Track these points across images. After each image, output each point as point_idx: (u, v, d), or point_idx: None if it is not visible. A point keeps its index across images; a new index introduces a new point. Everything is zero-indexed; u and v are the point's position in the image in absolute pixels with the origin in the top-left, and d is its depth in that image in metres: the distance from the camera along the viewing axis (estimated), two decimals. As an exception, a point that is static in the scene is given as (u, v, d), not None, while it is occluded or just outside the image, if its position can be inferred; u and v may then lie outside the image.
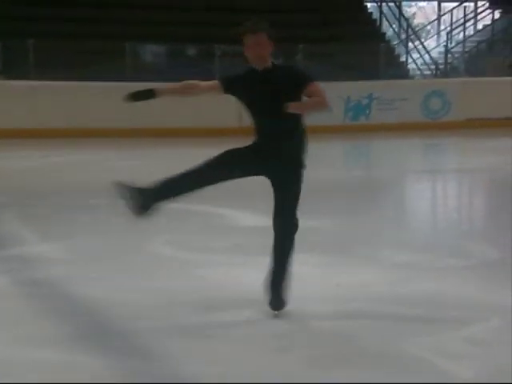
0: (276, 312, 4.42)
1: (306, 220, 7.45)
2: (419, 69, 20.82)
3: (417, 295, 4.91)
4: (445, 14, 24.62)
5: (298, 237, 6.57)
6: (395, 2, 21.95)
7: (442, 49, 21.37)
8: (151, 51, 17.94)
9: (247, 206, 7.68)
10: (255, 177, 4.51)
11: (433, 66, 20.63)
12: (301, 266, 5.64)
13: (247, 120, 4.49)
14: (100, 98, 14.88)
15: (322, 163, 13.13)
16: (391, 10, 22.10)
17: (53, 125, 14.53)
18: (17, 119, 14.38)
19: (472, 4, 24.41)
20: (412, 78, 19.90)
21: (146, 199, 4.40)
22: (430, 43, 23.43)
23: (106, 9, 17.92)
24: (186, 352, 3.98)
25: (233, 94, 4.51)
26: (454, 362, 3.82)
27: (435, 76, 19.99)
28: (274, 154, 4.41)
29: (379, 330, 4.28)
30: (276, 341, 4.13)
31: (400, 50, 20.90)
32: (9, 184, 9.72)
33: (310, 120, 16.16)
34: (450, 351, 3.96)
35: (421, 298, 4.85)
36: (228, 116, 14.32)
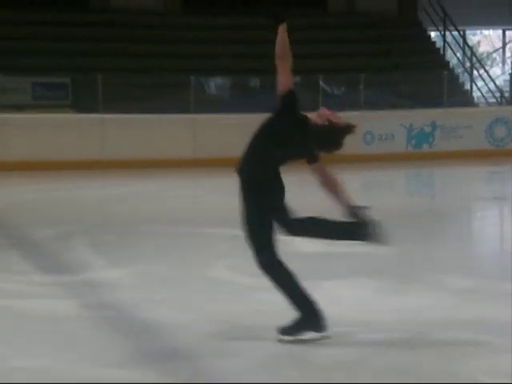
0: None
1: (368, 246, 7.56)
2: (484, 96, 20.66)
3: (477, 319, 4.92)
4: (510, 41, 24.41)
5: (359, 262, 6.68)
6: (459, 31, 21.87)
7: (507, 76, 21.18)
8: (215, 84, 18.28)
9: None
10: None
11: (498, 94, 20.46)
12: (362, 290, 5.74)
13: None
14: (166, 130, 15.24)
15: (385, 191, 13.16)
16: (455, 38, 22.03)
17: (121, 156, 14.91)
18: (86, 151, 14.81)
19: (537, 32, 24.17)
20: (477, 105, 19.76)
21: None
22: (495, 71, 23.25)
23: (171, 44, 18.38)
24: (246, 373, 4.10)
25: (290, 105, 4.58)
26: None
27: (500, 104, 19.81)
28: None
29: (436, 353, 4.31)
30: (327, 360, 4.21)
31: (464, 78, 20.79)
32: (78, 213, 10.03)
33: (374, 148, 16.29)
34: (504, 373, 3.97)
35: (480, 322, 4.86)
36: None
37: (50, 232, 8.41)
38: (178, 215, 9.73)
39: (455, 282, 5.99)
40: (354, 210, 4.47)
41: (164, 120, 15.33)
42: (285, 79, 4.48)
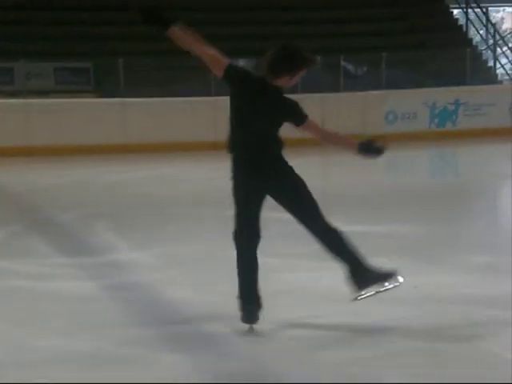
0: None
1: (390, 225, 7.56)
2: (508, 74, 20.46)
3: (497, 296, 4.92)
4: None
5: (379, 241, 6.69)
6: (482, 8, 21.62)
7: (531, 53, 20.95)
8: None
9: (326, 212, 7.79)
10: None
11: (522, 71, 20.26)
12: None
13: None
14: (187, 113, 15.25)
15: (409, 170, 13.12)
16: (478, 15, 21.80)
17: (143, 140, 14.96)
18: (109, 135, 14.88)
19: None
20: (500, 83, 19.58)
21: None
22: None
23: (191, 26, 18.34)
24: (267, 352, 4.13)
25: (229, 83, 4.49)
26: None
27: (524, 81, 19.62)
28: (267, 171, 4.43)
29: (456, 329, 4.32)
30: (352, 338, 4.24)
31: (488, 55, 20.59)
32: (101, 197, 10.12)
33: (396, 127, 16.20)
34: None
35: (501, 299, 4.85)
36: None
37: (74, 215, 8.49)
38: (200, 198, 9.76)
39: (477, 259, 5.99)
40: (366, 146, 4.42)
41: (185, 103, 15.33)
42: (211, 60, 4.42)
